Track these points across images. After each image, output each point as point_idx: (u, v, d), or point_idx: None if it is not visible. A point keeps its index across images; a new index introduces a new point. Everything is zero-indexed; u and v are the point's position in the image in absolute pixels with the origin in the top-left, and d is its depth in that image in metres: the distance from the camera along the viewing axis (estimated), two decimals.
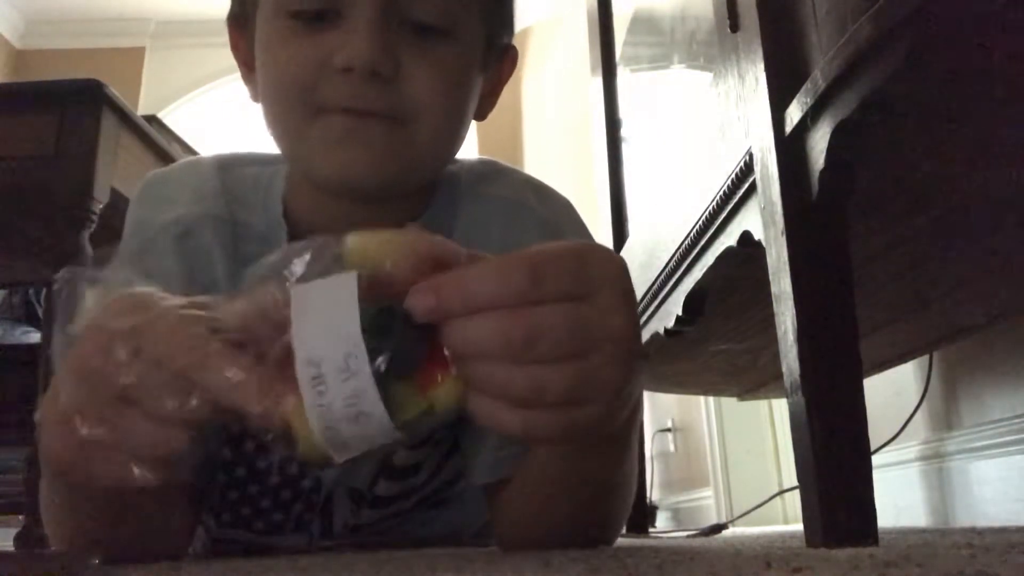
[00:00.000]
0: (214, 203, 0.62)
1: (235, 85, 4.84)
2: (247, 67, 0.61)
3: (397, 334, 0.33)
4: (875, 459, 0.66)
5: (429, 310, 0.33)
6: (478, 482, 0.60)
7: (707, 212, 0.90)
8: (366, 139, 0.53)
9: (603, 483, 0.53)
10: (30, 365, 1.56)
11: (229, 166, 0.65)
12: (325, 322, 0.33)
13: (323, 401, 0.32)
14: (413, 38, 0.54)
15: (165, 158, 1.71)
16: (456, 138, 0.60)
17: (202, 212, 0.61)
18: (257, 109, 0.58)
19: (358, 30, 0.52)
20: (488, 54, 0.61)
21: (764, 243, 0.70)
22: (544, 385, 0.33)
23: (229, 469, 0.64)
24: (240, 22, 0.61)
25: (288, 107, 0.54)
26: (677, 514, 3.00)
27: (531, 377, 0.33)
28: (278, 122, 0.56)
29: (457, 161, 0.67)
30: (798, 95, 0.65)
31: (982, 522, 1.24)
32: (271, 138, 0.58)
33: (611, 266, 0.36)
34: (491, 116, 0.67)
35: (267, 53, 0.56)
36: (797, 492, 0.64)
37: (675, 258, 1.06)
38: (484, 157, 0.72)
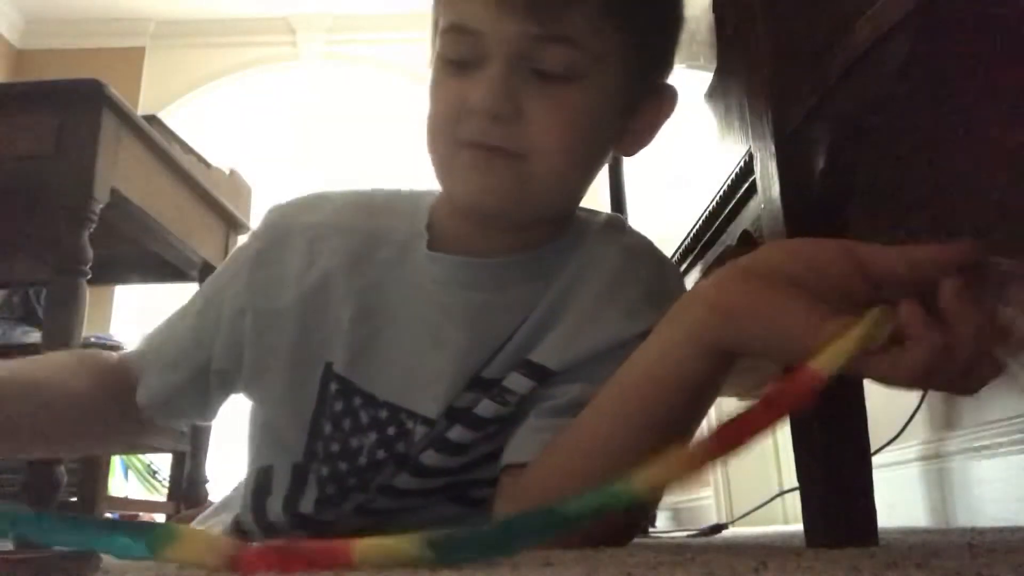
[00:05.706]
0: (352, 216, 0.72)
1: (235, 85, 4.83)
2: None
3: None
4: (875, 459, 0.66)
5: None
6: (506, 462, 0.62)
7: (707, 212, 0.90)
8: (490, 171, 0.62)
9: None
10: None
11: (388, 189, 0.77)
12: None
13: None
14: (539, 82, 0.61)
15: (165, 158, 1.71)
16: (580, 174, 0.67)
17: (337, 222, 0.71)
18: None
19: (487, 78, 0.60)
20: (637, 90, 0.66)
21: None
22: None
23: (327, 443, 0.68)
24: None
25: (439, 138, 0.64)
26: (677, 514, 3.00)
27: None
28: (433, 149, 0.65)
29: (594, 212, 0.74)
30: (798, 95, 0.65)
31: (982, 522, 1.24)
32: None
33: None
34: None
35: (429, 89, 0.66)
36: (797, 492, 0.64)
37: (675, 258, 1.06)
38: (617, 214, 0.81)
